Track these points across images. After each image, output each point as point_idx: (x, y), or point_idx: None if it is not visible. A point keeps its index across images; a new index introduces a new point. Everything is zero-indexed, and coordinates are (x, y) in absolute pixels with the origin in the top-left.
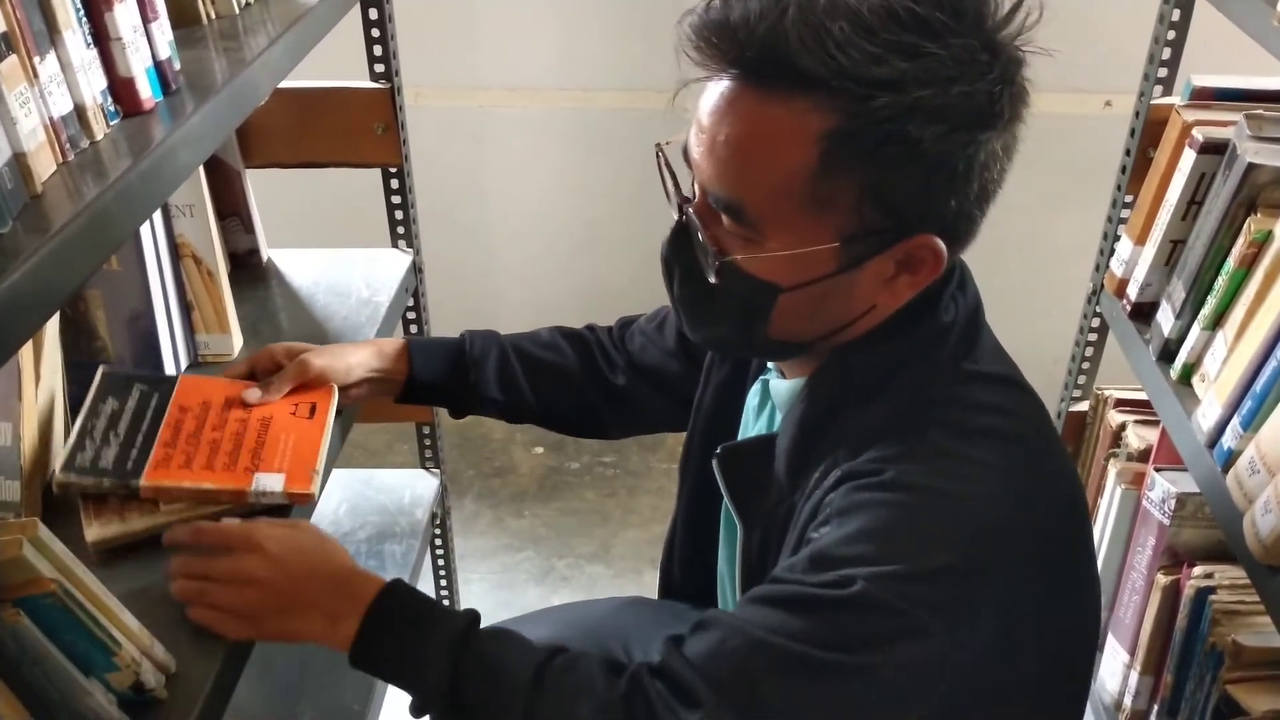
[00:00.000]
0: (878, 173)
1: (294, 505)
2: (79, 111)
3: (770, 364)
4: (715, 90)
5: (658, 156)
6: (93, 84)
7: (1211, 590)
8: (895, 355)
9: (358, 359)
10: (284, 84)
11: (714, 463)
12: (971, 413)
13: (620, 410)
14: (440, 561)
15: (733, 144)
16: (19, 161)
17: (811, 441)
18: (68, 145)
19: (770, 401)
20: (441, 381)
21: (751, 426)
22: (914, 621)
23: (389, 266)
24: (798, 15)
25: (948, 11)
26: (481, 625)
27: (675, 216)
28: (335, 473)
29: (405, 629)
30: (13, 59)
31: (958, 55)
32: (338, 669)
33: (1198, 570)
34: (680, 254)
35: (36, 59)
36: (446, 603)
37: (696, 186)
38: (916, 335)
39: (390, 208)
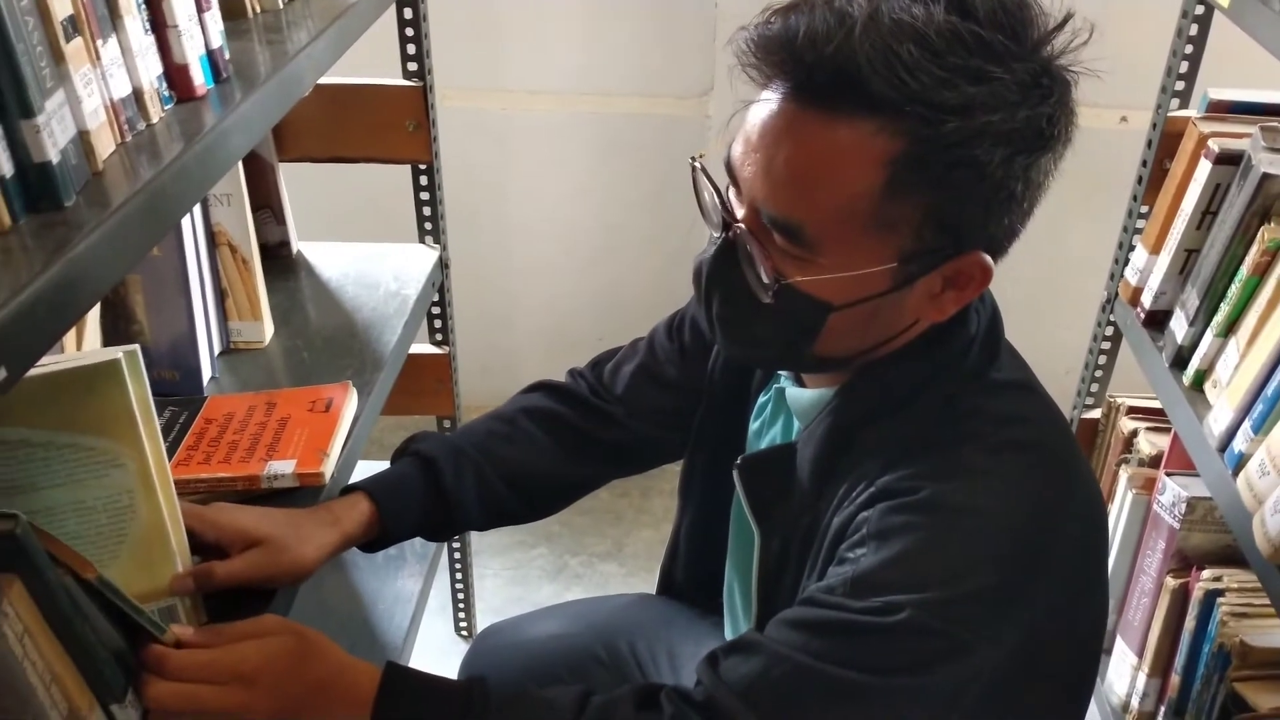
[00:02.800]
0: (942, 195)
1: (305, 487)
2: (137, 94)
3: (784, 373)
4: (771, 107)
5: (693, 171)
6: (150, 69)
7: (1220, 593)
8: (927, 367)
9: (325, 539)
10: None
11: (735, 473)
12: (999, 424)
13: (619, 464)
14: (456, 557)
15: (794, 166)
16: (83, 139)
17: (839, 453)
18: (126, 126)
19: (785, 409)
20: (416, 529)
21: (763, 436)
22: (957, 642)
23: (416, 261)
24: (865, 36)
25: (1008, 34)
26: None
27: (716, 234)
28: (359, 464)
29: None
30: (78, 41)
31: (1021, 79)
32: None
33: (1207, 573)
34: (725, 272)
35: (99, 41)
36: (462, 599)
37: (744, 204)
38: (947, 348)
39: (419, 204)
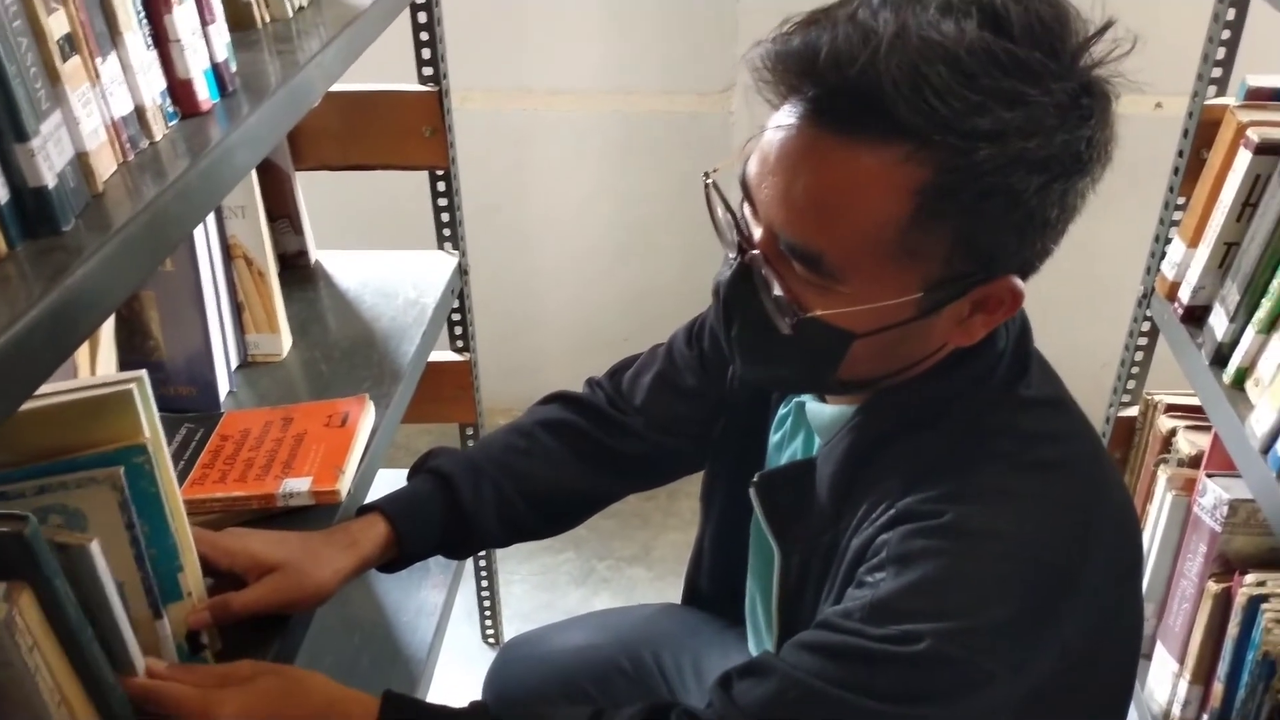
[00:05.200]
0: (973, 223)
1: (322, 504)
2: (139, 112)
3: None
4: (788, 129)
5: (706, 189)
6: (152, 85)
7: (1264, 598)
8: (951, 387)
9: (342, 563)
10: (334, 87)
11: (752, 490)
12: (1026, 443)
13: (638, 477)
14: (482, 564)
15: (814, 193)
16: (81, 160)
17: (859, 471)
18: (128, 145)
19: (805, 425)
20: (435, 549)
21: (784, 450)
22: (980, 672)
23: (435, 268)
24: (891, 56)
25: (1045, 49)
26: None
27: (731, 255)
28: (380, 474)
29: None
30: (76, 60)
31: (1059, 101)
32: (381, 668)
33: (1250, 578)
34: (742, 297)
35: (98, 60)
36: (488, 606)
37: (761, 227)
38: (973, 365)
39: (437, 210)
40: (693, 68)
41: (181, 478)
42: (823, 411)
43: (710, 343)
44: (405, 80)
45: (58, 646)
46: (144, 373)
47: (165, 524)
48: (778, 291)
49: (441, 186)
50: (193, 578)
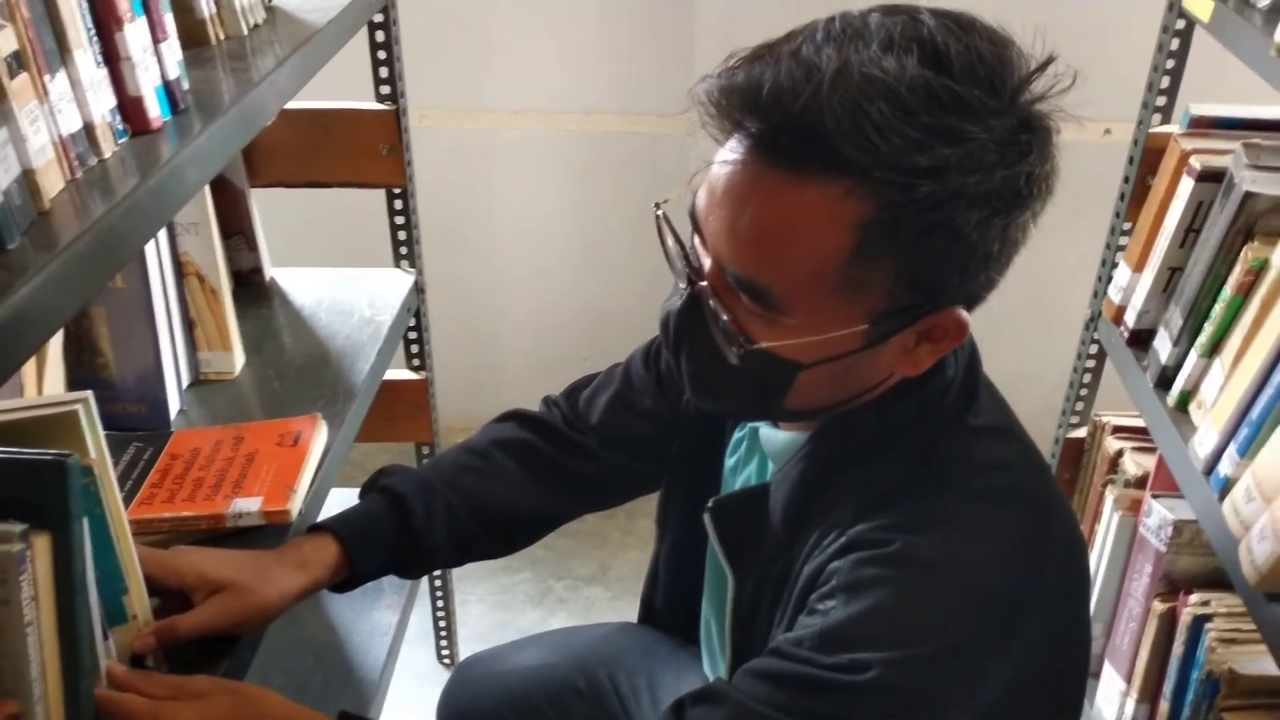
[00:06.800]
0: (916, 258)
1: (272, 524)
2: (88, 129)
3: None
4: (733, 164)
5: (657, 220)
6: (102, 102)
7: (1208, 618)
8: (901, 415)
9: (292, 583)
10: (290, 104)
11: (706, 516)
12: (976, 472)
13: (594, 497)
14: (437, 585)
15: (759, 227)
16: (27, 178)
17: (811, 498)
18: (76, 162)
19: (759, 450)
20: (386, 569)
21: (739, 474)
22: (926, 700)
23: (391, 286)
24: (833, 93)
25: (985, 87)
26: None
27: (681, 285)
28: (332, 492)
29: None
30: (24, 77)
31: (999, 138)
32: (333, 689)
33: (1194, 598)
34: (691, 328)
35: (47, 77)
36: (444, 626)
37: (709, 259)
38: (922, 394)
39: (394, 228)
40: (653, 88)
41: (129, 497)
42: (775, 438)
43: (667, 365)
44: (363, 98)
45: (54, 609)
46: (90, 393)
47: (110, 546)
48: (725, 323)
49: (399, 205)
50: (138, 601)
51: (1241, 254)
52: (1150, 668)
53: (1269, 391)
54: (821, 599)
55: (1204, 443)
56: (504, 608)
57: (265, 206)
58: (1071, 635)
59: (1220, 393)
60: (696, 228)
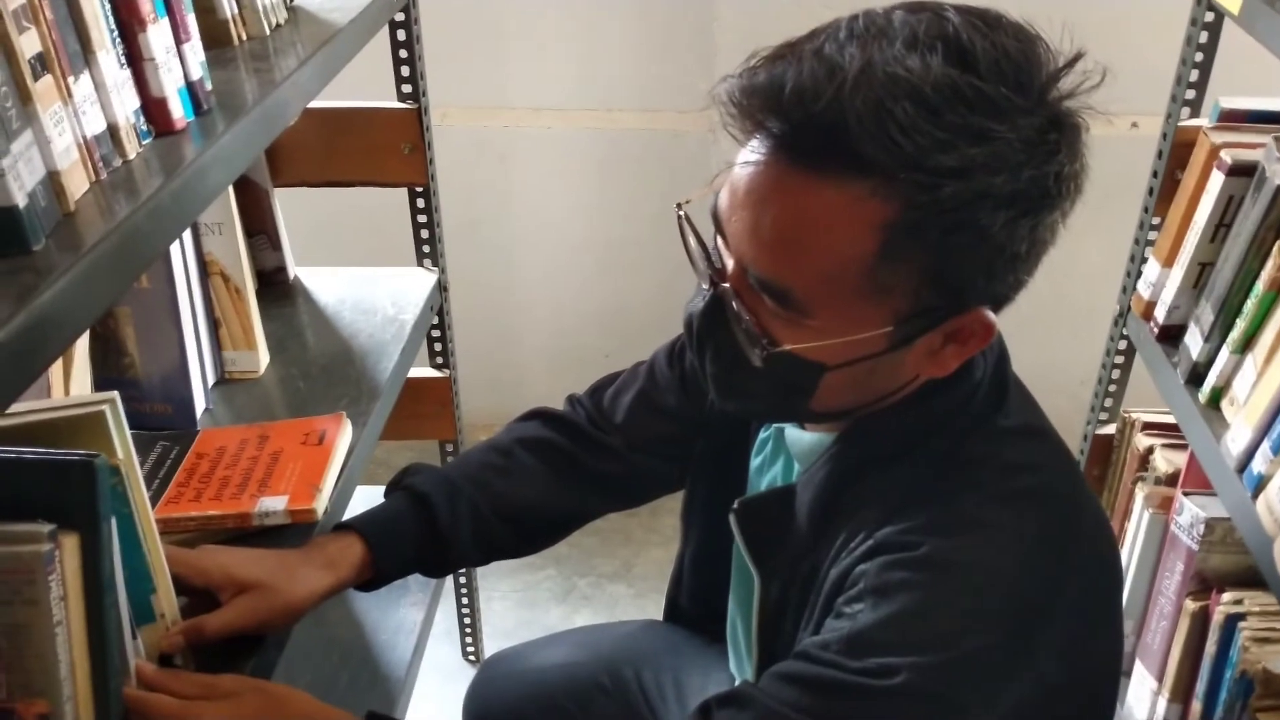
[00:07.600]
0: (941, 259)
1: (298, 523)
2: (112, 131)
3: None
4: (755, 165)
5: (679, 219)
6: (126, 104)
7: (1241, 617)
8: (929, 417)
9: (318, 583)
10: (312, 104)
11: (732, 517)
12: (1005, 474)
13: (618, 496)
14: (462, 581)
15: (781, 229)
16: (52, 180)
17: (837, 500)
18: (100, 164)
19: (785, 450)
20: (411, 568)
21: (764, 474)
22: (956, 705)
23: (414, 285)
24: (856, 93)
25: (1012, 85)
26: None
27: (704, 286)
28: (358, 491)
29: None
30: (48, 79)
31: (1026, 137)
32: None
33: (1227, 596)
34: (714, 329)
35: (71, 79)
36: (469, 623)
37: (732, 260)
38: (950, 395)
39: (416, 227)
40: (673, 85)
41: (156, 496)
42: (801, 439)
43: (691, 365)
44: (385, 97)
45: (82, 608)
46: (116, 394)
47: (138, 546)
48: (748, 325)
49: (421, 203)
50: (166, 600)
51: (1274, 249)
52: (1182, 667)
53: None
54: (849, 602)
55: (1236, 440)
56: (528, 605)
57: (288, 206)
58: (1102, 637)
59: (1253, 389)
60: (719, 229)
